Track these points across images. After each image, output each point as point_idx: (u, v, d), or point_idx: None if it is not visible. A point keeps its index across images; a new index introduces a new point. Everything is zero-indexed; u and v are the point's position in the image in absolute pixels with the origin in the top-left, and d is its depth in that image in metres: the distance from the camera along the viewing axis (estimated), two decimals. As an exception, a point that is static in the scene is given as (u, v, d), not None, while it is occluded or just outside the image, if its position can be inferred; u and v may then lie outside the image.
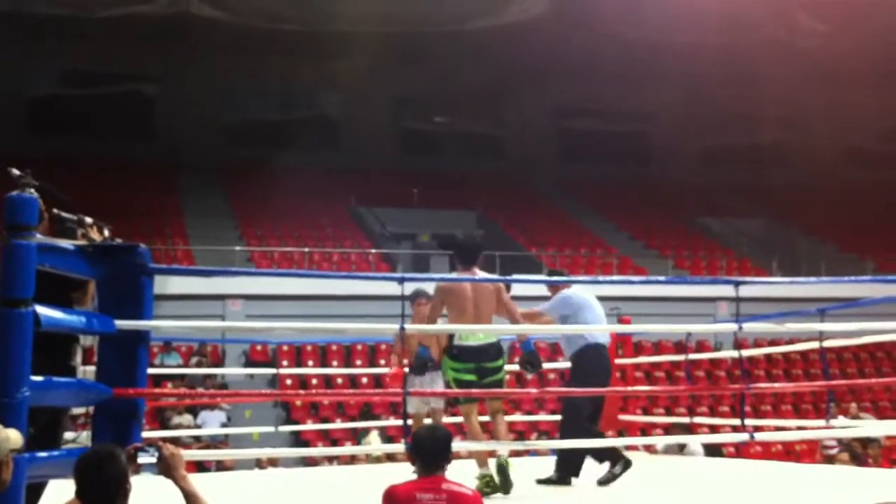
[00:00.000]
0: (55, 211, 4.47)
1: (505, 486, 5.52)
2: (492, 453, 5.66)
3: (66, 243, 4.30)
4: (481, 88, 27.30)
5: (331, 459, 12.13)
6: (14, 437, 3.10)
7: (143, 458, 3.49)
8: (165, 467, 3.47)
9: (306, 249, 20.40)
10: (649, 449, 10.05)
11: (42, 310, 3.92)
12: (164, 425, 13.72)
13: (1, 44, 23.90)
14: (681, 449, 9.66)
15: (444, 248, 23.44)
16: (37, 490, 4.38)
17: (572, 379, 6.54)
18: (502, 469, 5.52)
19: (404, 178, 25.09)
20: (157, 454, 3.50)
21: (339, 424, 13.47)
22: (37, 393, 3.86)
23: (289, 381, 16.13)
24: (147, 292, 4.56)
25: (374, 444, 11.35)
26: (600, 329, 6.52)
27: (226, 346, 17.07)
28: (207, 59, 25.61)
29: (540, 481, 6.25)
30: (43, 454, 4.01)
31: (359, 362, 17.08)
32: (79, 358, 4.57)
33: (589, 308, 6.48)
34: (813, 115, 29.63)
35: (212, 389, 14.53)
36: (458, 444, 5.00)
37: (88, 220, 4.60)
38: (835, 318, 7.76)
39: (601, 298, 6.69)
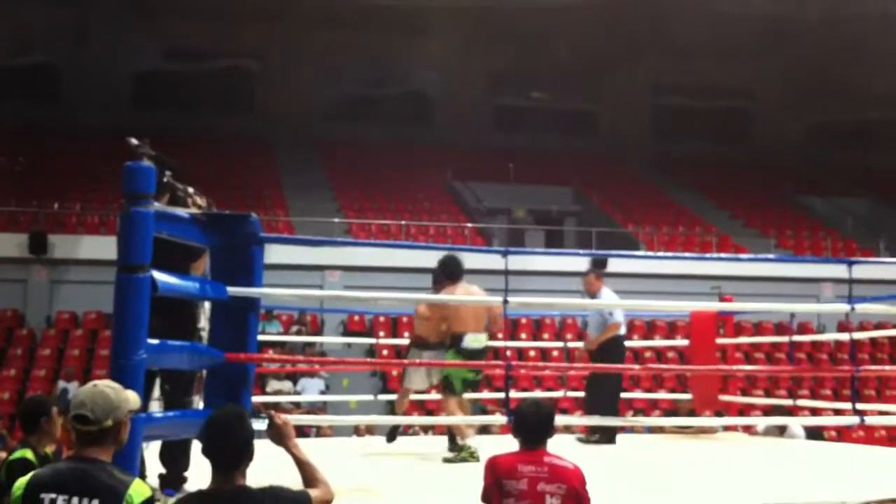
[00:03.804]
0: (168, 180, 4.60)
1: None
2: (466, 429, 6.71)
3: (182, 212, 4.42)
4: (577, 65, 27.00)
5: (426, 429, 12.27)
6: (133, 398, 3.19)
7: (253, 425, 3.52)
8: (277, 435, 3.49)
9: (403, 223, 20.56)
10: (748, 430, 9.89)
11: (158, 275, 4.03)
12: (263, 390, 14.06)
13: (108, 22, 24.62)
14: (781, 431, 9.46)
15: (539, 224, 23.42)
16: (185, 448, 4.56)
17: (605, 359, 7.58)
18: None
19: (500, 153, 25.04)
20: (268, 422, 3.52)
21: (434, 395, 13.56)
22: (153, 356, 3.97)
23: (385, 352, 16.32)
24: (258, 261, 4.66)
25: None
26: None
27: (324, 315, 17.33)
28: (306, 36, 25.92)
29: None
30: (158, 415, 4.15)
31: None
32: (204, 322, 4.69)
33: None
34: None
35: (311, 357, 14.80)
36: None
37: (190, 189, 4.72)
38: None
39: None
